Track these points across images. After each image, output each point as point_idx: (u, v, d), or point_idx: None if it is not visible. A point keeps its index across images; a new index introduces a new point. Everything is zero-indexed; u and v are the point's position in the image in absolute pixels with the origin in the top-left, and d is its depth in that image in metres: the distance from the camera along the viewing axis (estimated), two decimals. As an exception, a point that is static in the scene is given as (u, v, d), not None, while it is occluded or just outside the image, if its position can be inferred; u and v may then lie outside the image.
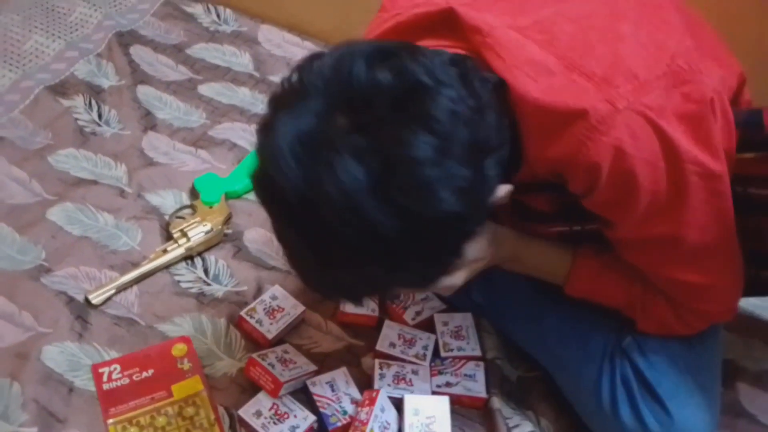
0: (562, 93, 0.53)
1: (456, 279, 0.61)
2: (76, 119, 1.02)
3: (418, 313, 0.80)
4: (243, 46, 1.21)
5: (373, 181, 0.43)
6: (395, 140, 0.44)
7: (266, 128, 0.47)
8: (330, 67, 0.47)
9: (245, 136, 1.04)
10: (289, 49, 1.21)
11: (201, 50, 1.19)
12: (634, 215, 0.56)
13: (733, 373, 0.83)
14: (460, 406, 0.73)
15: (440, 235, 0.48)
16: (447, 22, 0.58)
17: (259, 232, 0.90)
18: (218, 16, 1.27)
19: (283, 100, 0.48)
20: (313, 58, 0.48)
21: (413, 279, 0.54)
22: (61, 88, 1.07)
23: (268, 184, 0.47)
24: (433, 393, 0.72)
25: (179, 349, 0.74)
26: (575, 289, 0.68)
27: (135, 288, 0.81)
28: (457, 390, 0.72)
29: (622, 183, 0.54)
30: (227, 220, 0.89)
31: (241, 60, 1.18)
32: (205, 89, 1.11)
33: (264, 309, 0.77)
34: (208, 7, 1.27)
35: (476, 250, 0.60)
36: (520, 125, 0.55)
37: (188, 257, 0.85)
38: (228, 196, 0.93)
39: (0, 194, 0.89)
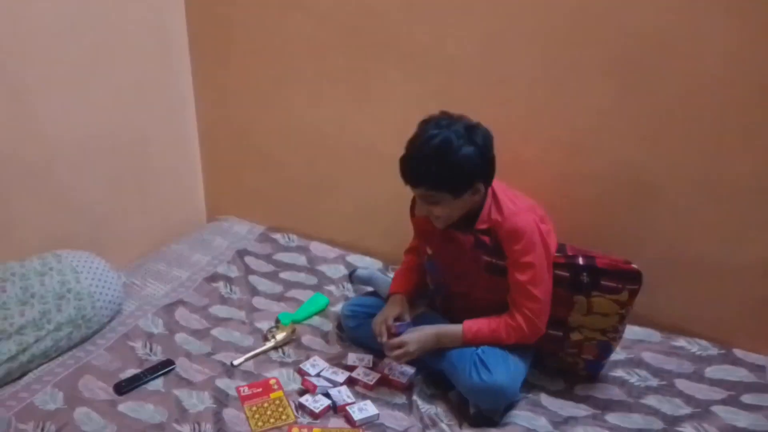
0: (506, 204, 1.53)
1: (412, 351, 1.53)
2: (221, 293, 2.03)
3: (402, 373, 1.66)
4: (302, 253, 2.25)
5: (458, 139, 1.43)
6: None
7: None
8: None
9: (301, 296, 2.00)
10: (325, 252, 2.25)
11: (281, 255, 2.23)
12: (521, 250, 1.48)
13: (540, 389, 1.65)
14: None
15: (474, 166, 1.44)
16: None
17: (307, 337, 1.82)
18: (289, 238, 2.33)
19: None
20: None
21: (457, 184, 1.45)
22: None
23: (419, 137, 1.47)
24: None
25: (272, 381, 1.63)
26: (467, 341, 1.55)
27: (252, 361, 1.72)
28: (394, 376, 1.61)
29: (519, 237, 1.48)
30: (293, 331, 1.82)
31: (301, 260, 2.21)
32: (284, 275, 2.13)
33: (310, 364, 1.67)
34: (283, 235, 2.34)
35: (417, 340, 1.53)
36: (489, 200, 1.54)
37: (275, 347, 1.77)
38: (294, 322, 1.87)
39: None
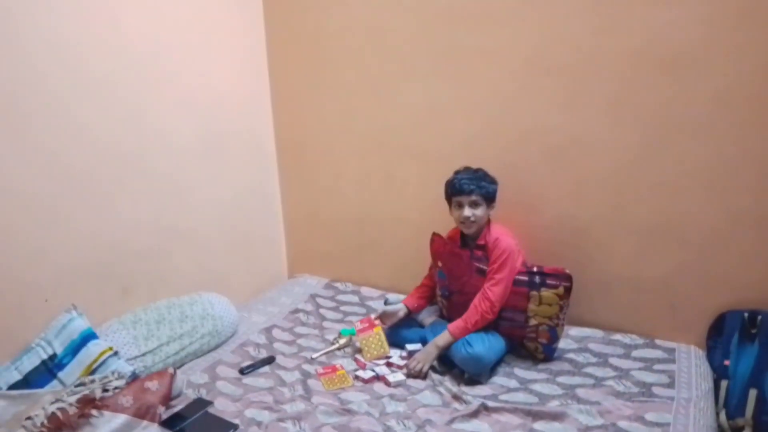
0: (496, 230, 2.40)
1: (426, 365, 2.31)
2: (301, 320, 2.86)
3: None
4: (355, 293, 3.08)
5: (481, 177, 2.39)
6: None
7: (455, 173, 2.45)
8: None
9: (355, 320, 2.81)
10: (371, 293, 3.07)
11: (340, 296, 3.07)
12: (498, 255, 2.32)
13: (514, 366, 2.37)
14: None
15: (495, 188, 2.40)
16: None
17: (359, 343, 2.62)
18: (345, 286, 3.17)
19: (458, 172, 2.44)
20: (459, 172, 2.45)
21: (490, 197, 2.39)
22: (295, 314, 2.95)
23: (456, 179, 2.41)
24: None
25: (338, 366, 2.41)
26: (454, 336, 2.32)
27: (324, 356, 2.52)
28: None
29: (500, 248, 2.34)
30: (350, 340, 2.61)
31: (353, 299, 3.04)
32: (343, 308, 2.96)
33: (362, 356, 2.46)
34: (342, 284, 3.19)
35: (426, 354, 2.32)
36: (487, 226, 2.41)
37: (339, 348, 2.56)
38: (350, 334, 2.66)
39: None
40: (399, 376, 2.30)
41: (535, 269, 2.36)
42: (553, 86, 2.45)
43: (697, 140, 2.26)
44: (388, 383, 2.27)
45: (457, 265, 2.45)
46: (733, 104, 2.17)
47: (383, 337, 2.47)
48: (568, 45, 2.39)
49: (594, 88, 2.38)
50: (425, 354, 2.33)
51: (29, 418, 1.85)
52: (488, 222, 2.44)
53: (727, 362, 2.24)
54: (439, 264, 2.53)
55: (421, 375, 2.30)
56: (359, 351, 2.50)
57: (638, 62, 2.28)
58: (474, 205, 2.37)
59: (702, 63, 2.18)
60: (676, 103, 2.26)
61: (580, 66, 2.38)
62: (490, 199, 2.38)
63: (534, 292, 2.33)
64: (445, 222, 2.55)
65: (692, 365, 2.28)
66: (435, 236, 2.60)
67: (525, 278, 2.35)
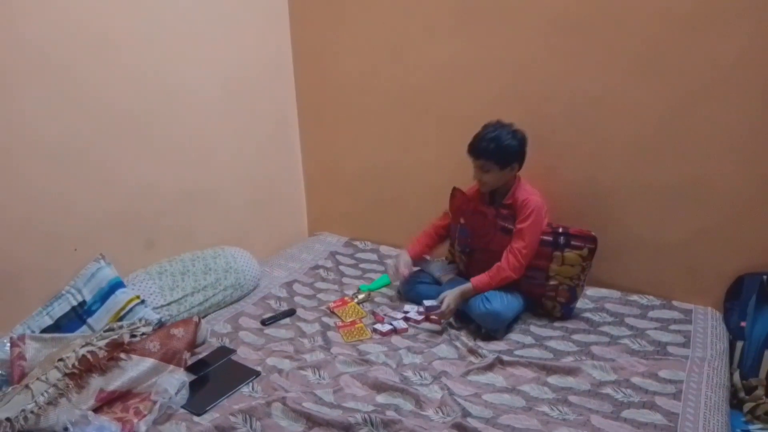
0: (525, 189, 2.36)
1: (451, 307, 2.30)
2: (321, 276, 2.90)
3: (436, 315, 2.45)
4: (374, 252, 3.10)
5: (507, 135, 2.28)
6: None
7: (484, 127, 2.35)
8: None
9: (374, 277, 2.83)
10: (389, 251, 3.08)
11: (360, 254, 3.09)
12: (527, 214, 2.28)
13: (530, 324, 2.38)
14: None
15: (515, 151, 2.28)
16: None
17: (378, 298, 2.63)
18: (365, 244, 3.19)
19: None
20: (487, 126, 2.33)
21: (502, 161, 2.28)
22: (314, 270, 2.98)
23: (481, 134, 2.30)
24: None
25: (358, 319, 2.45)
26: (477, 290, 2.32)
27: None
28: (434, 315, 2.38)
29: (528, 207, 2.29)
30: (368, 295, 2.65)
31: (372, 257, 3.06)
32: (362, 266, 2.98)
33: (380, 310, 2.49)
34: (361, 242, 3.21)
35: (451, 299, 2.30)
36: (516, 184, 2.37)
37: (358, 303, 2.59)
38: (369, 290, 2.69)
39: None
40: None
41: (560, 230, 2.33)
42: (576, 46, 2.39)
43: (722, 102, 2.20)
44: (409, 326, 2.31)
45: (480, 223, 2.43)
46: (760, 65, 2.10)
47: (365, 328, 2.42)
48: (592, 3, 2.32)
49: (618, 48, 2.32)
50: (453, 295, 2.31)
51: (61, 359, 1.91)
52: (517, 181, 2.40)
53: (743, 324, 2.23)
54: (462, 221, 2.51)
55: (453, 313, 2.33)
56: (378, 305, 2.54)
57: (663, 22, 2.21)
58: (482, 168, 2.31)
59: (728, 23, 2.11)
60: (701, 64, 2.19)
61: (604, 25, 2.32)
62: (503, 163, 2.29)
63: (557, 252, 2.31)
64: (464, 182, 2.53)
65: (708, 326, 2.27)
66: (456, 191, 2.58)
67: (549, 238, 2.33)
